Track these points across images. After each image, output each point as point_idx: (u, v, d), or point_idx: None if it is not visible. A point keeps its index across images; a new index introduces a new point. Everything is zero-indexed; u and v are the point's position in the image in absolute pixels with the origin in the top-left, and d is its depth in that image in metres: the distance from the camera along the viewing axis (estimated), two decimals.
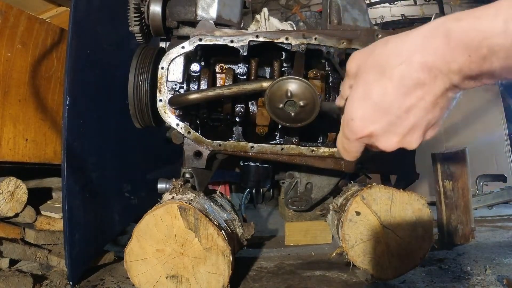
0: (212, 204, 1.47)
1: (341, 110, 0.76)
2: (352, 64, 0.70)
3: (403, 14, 5.28)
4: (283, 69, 1.49)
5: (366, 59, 0.67)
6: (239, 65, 1.43)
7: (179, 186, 1.40)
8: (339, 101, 0.79)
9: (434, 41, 0.58)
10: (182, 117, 1.42)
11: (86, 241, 1.67)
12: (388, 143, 0.67)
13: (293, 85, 1.12)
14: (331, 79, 1.47)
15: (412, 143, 0.67)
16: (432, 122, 0.65)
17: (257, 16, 1.65)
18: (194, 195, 1.39)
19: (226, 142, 1.43)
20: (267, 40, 1.41)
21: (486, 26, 0.53)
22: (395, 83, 0.62)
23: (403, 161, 1.54)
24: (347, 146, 0.73)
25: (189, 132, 1.41)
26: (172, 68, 1.41)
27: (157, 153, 2.31)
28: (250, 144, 1.43)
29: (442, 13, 4.40)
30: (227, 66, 1.48)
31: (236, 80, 1.43)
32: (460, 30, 0.55)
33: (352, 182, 1.72)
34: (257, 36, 1.40)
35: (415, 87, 0.61)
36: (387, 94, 0.63)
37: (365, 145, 0.72)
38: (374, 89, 0.64)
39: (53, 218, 1.78)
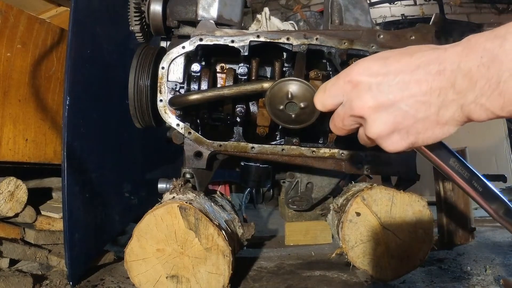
0: (212, 204, 1.47)
1: None
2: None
3: (403, 14, 5.28)
4: (284, 69, 1.49)
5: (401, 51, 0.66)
6: (240, 65, 1.43)
7: (180, 186, 1.40)
8: None
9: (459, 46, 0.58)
10: (182, 117, 1.42)
11: (86, 241, 1.67)
12: (362, 102, 0.65)
13: (293, 87, 1.12)
14: None
15: (376, 122, 0.65)
16: (407, 120, 0.63)
17: (258, 16, 1.65)
18: (194, 195, 1.39)
19: (226, 142, 1.43)
20: (268, 40, 1.41)
21: None
22: (411, 58, 0.62)
23: (404, 162, 1.54)
24: (329, 85, 0.71)
25: (189, 133, 1.41)
26: (172, 68, 1.41)
27: (157, 153, 2.31)
28: (250, 145, 1.43)
29: (442, 13, 4.40)
30: (227, 66, 1.48)
31: (236, 80, 1.43)
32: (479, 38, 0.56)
33: (353, 182, 1.72)
34: (258, 36, 1.40)
35: (421, 68, 0.61)
36: (399, 63, 0.63)
37: (357, 125, 0.70)
38: (392, 57, 0.64)
39: (53, 218, 1.78)
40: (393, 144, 0.66)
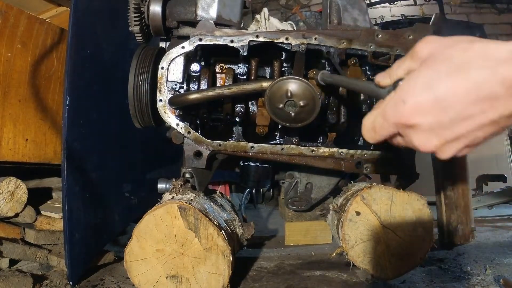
0: (212, 204, 1.47)
1: (379, 91, 0.71)
2: (425, 48, 0.63)
3: (403, 14, 5.28)
4: (283, 69, 1.49)
5: (445, 49, 0.61)
6: (239, 65, 1.43)
7: (179, 186, 1.40)
8: (383, 79, 0.71)
9: None
10: (182, 117, 1.42)
11: (86, 241, 1.67)
12: (426, 143, 0.62)
13: (293, 85, 1.12)
14: None
15: (446, 153, 0.62)
16: (477, 141, 0.60)
17: (257, 16, 1.65)
18: (194, 195, 1.39)
19: (226, 142, 1.43)
20: (267, 40, 1.41)
21: None
22: (469, 85, 0.56)
23: (403, 161, 1.54)
24: (379, 126, 0.68)
25: (189, 132, 1.41)
26: (172, 68, 1.41)
27: (157, 153, 2.31)
28: (250, 144, 1.43)
29: (442, 13, 4.40)
30: (227, 66, 1.48)
31: (236, 80, 1.43)
32: None
33: (352, 182, 1.72)
34: (257, 36, 1.40)
35: (486, 99, 0.56)
36: (455, 94, 0.57)
37: (394, 134, 0.67)
38: (443, 82, 0.58)
39: (53, 218, 1.78)
40: (460, 154, 0.64)
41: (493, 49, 0.56)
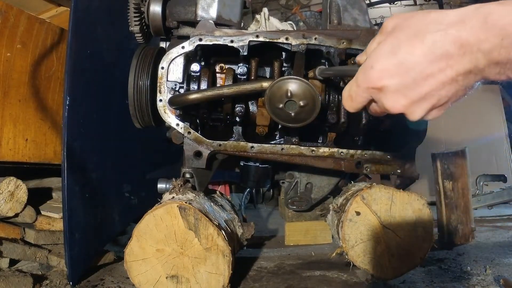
0: (212, 204, 1.47)
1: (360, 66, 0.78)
2: (390, 23, 0.71)
3: None
4: (283, 69, 1.49)
5: (405, 20, 0.68)
6: (239, 65, 1.43)
7: (179, 186, 1.40)
8: (361, 57, 0.80)
9: (473, 19, 0.60)
10: (182, 117, 1.42)
11: (86, 241, 1.67)
12: (394, 104, 0.68)
13: (293, 85, 1.12)
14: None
15: (415, 113, 0.68)
16: (443, 100, 0.66)
17: (257, 16, 1.65)
18: (194, 195, 1.39)
19: (226, 142, 1.43)
20: (267, 40, 1.41)
21: None
22: (425, 47, 0.63)
23: (403, 161, 1.54)
24: (354, 94, 0.75)
25: (189, 132, 1.41)
26: (172, 68, 1.41)
27: (157, 153, 2.31)
28: (250, 144, 1.43)
29: None
30: (227, 66, 1.48)
31: (236, 80, 1.43)
32: (499, 13, 0.58)
33: (352, 182, 1.72)
34: (257, 36, 1.40)
35: (442, 58, 0.62)
36: (414, 55, 0.64)
37: (370, 100, 0.74)
38: (403, 47, 0.65)
39: (53, 218, 1.78)
40: (434, 117, 0.70)
41: (445, 15, 0.64)
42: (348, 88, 0.77)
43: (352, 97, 0.76)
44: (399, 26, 0.68)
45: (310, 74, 1.28)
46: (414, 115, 0.69)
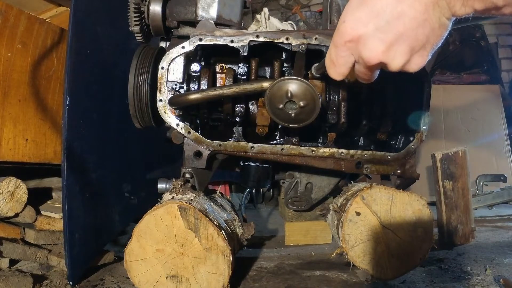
0: (212, 204, 1.47)
1: None
2: None
3: None
4: (284, 69, 1.49)
5: None
6: (239, 65, 1.43)
7: (179, 186, 1.40)
8: None
9: None
10: (182, 117, 1.42)
11: (86, 241, 1.67)
12: (372, 52, 0.68)
13: (293, 86, 1.12)
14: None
15: (395, 60, 0.68)
16: (420, 41, 0.66)
17: (258, 16, 1.65)
18: (194, 195, 1.39)
19: (226, 142, 1.43)
20: (268, 40, 1.41)
21: None
22: None
23: (403, 161, 1.54)
24: (334, 56, 0.74)
25: (189, 132, 1.41)
26: (172, 68, 1.41)
27: (157, 153, 2.31)
28: (250, 144, 1.43)
29: None
30: (227, 66, 1.48)
31: (236, 80, 1.43)
32: None
33: (352, 182, 1.72)
34: (257, 36, 1.40)
35: None
36: None
37: (352, 63, 0.73)
38: None
39: (53, 218, 1.78)
40: (417, 64, 0.69)
41: None
42: (328, 55, 0.77)
43: (334, 61, 0.75)
44: None
45: (310, 74, 1.28)
46: (395, 62, 0.68)
